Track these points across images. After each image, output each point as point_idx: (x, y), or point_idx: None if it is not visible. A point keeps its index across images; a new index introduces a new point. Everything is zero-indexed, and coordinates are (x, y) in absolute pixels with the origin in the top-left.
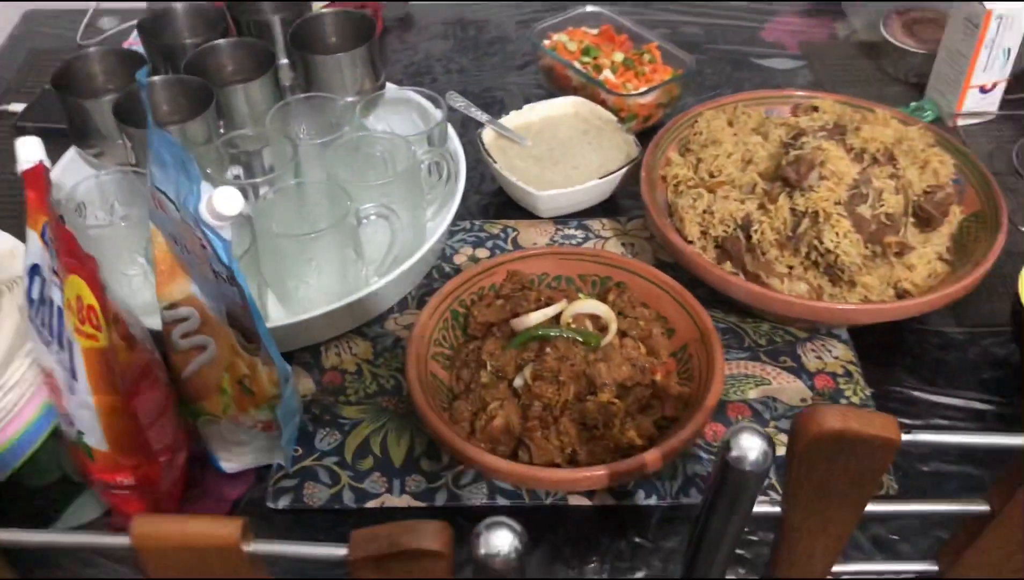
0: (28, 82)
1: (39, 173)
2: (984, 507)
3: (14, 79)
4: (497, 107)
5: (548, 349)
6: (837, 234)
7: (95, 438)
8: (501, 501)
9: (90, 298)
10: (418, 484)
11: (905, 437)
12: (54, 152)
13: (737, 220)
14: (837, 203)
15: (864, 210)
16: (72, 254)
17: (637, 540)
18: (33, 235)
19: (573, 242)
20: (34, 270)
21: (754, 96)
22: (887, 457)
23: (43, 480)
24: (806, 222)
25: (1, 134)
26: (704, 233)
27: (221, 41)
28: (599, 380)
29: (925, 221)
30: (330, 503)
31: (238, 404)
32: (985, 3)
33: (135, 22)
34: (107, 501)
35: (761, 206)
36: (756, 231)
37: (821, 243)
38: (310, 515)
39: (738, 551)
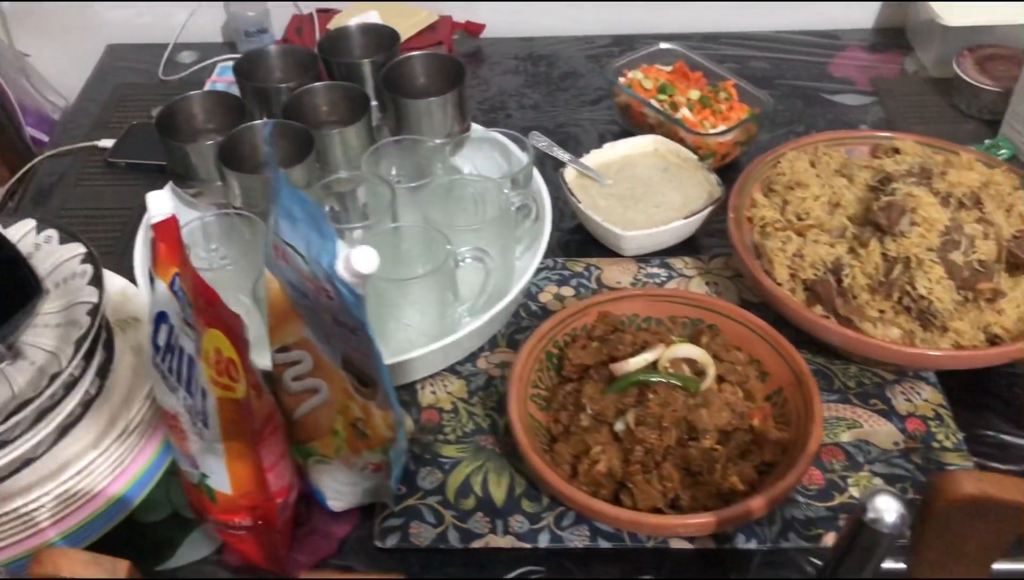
0: (115, 117)
1: (171, 225)
2: None
3: (101, 114)
4: (572, 143)
5: (650, 395)
6: (930, 280)
7: (220, 481)
8: (603, 543)
9: (230, 352)
10: (520, 524)
11: None
12: (146, 187)
13: (827, 264)
14: (929, 249)
15: (957, 257)
16: (213, 309)
17: None
18: (161, 284)
19: (656, 281)
20: (161, 318)
21: (835, 137)
22: (1022, 521)
23: (154, 516)
24: (898, 268)
25: (93, 170)
26: (793, 275)
27: (317, 84)
28: (701, 426)
29: (1014, 265)
30: (436, 543)
31: (351, 446)
32: None
33: (216, 59)
34: (222, 539)
35: (851, 250)
36: (847, 275)
37: (914, 289)
38: (416, 554)
39: None
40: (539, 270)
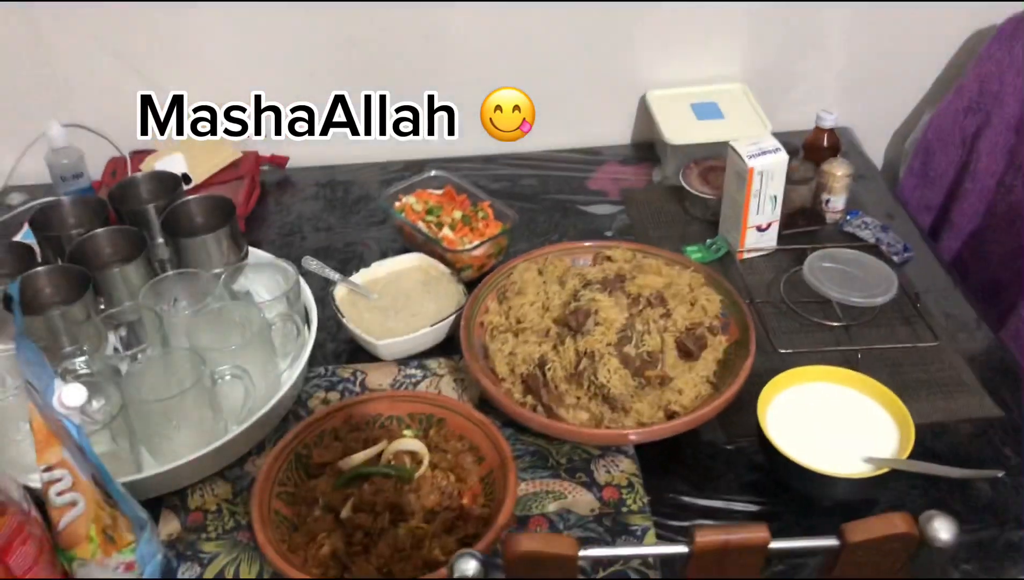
0: None
1: None
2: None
3: None
4: (356, 261)
5: (366, 485)
6: (608, 370)
7: None
8: None
9: None
10: None
11: (582, 552)
12: None
13: (535, 360)
14: (608, 344)
15: (630, 349)
16: None
17: None
18: None
19: (413, 380)
20: None
21: (563, 248)
22: (574, 569)
23: None
24: (585, 361)
25: None
26: (512, 370)
27: (99, 230)
28: (408, 508)
29: (687, 354)
30: None
31: (103, 550)
32: (748, 161)
33: (37, 202)
34: None
35: (554, 347)
36: (549, 369)
37: (596, 378)
38: None
39: None
40: (312, 378)
